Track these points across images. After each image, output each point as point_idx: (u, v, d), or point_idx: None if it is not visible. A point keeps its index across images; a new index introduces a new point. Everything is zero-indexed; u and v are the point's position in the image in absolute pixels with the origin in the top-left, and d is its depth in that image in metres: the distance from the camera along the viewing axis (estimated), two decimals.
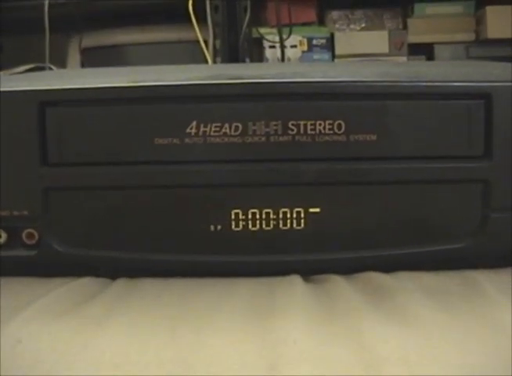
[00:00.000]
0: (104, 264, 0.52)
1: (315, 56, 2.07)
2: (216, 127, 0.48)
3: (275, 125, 0.48)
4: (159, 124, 0.49)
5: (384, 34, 2.05)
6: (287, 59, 1.98)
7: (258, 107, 0.48)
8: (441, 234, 0.51)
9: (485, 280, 0.49)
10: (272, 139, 0.48)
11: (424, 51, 2.07)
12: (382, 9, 2.08)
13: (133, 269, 0.52)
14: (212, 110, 0.48)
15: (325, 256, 0.50)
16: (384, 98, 0.49)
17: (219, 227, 0.50)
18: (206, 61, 1.82)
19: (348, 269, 0.51)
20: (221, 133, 0.48)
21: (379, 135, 0.49)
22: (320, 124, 0.48)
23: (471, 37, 2.02)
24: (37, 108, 0.49)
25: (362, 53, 2.04)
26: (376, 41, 2.05)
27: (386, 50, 2.04)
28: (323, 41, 2.06)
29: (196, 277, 0.51)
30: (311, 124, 0.48)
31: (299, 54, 2.08)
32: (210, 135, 0.48)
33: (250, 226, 0.50)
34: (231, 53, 1.98)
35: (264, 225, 0.50)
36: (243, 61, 1.97)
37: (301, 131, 0.48)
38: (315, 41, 2.08)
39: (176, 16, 1.80)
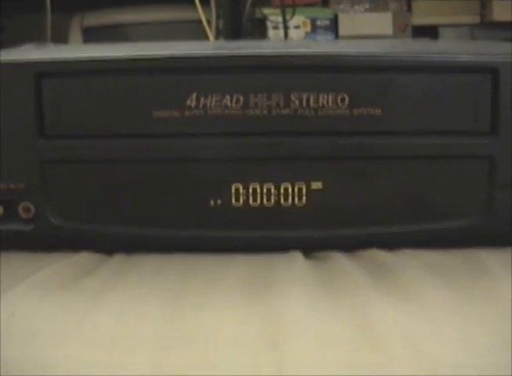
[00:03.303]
0: (101, 239, 0.51)
1: (319, 37, 2.05)
2: (217, 99, 0.47)
3: (276, 98, 0.47)
4: (157, 96, 0.47)
5: (388, 15, 2.03)
6: (290, 40, 1.96)
7: (260, 79, 0.47)
8: (445, 212, 0.50)
9: (490, 258, 0.48)
10: (273, 112, 0.47)
11: (428, 33, 2.05)
12: None
13: (131, 244, 0.51)
14: (212, 81, 0.47)
15: (327, 233, 0.50)
16: (389, 71, 0.47)
17: (219, 202, 0.49)
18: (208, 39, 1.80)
19: (351, 246, 0.50)
20: (221, 105, 0.47)
21: (383, 109, 0.48)
22: (323, 98, 0.47)
23: (476, 19, 2.00)
24: (34, 79, 0.47)
25: (366, 35, 2.02)
26: (380, 22, 2.03)
27: (390, 32, 2.02)
28: (327, 22, 2.05)
29: (195, 253, 0.50)
30: (314, 98, 0.47)
31: (302, 35, 2.06)
32: (210, 108, 0.47)
33: (250, 202, 0.49)
34: (234, 33, 1.96)
35: (265, 201, 0.49)
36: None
37: (304, 104, 0.47)
38: (318, 22, 2.06)
39: None
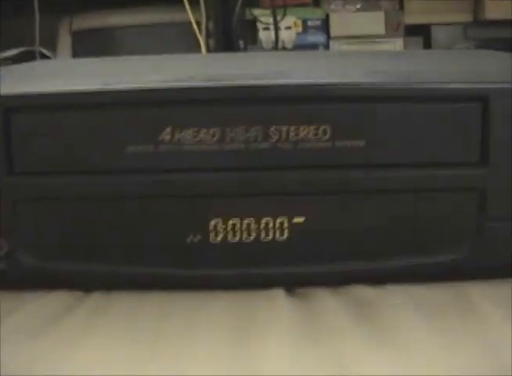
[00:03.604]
0: (77, 277, 0.49)
1: (310, 38, 2.03)
2: (192, 133, 0.45)
3: (255, 131, 0.45)
4: (131, 130, 0.45)
5: (380, 14, 2.01)
6: (282, 41, 1.94)
7: (237, 112, 0.45)
8: (434, 245, 0.48)
9: (481, 294, 0.46)
10: (252, 146, 0.45)
11: (421, 32, 2.03)
12: None
13: (108, 282, 0.49)
14: (187, 115, 0.45)
15: (310, 269, 0.48)
16: (373, 101, 0.45)
17: (197, 239, 0.47)
18: (199, 43, 1.79)
19: (336, 281, 0.48)
20: (197, 140, 0.45)
21: (367, 140, 0.46)
22: (304, 130, 0.45)
23: (469, 17, 1.98)
24: (1, 114, 0.45)
25: (358, 35, 2.00)
26: (372, 22, 2.01)
27: (382, 31, 2.01)
28: (318, 22, 2.03)
29: (173, 290, 0.48)
30: (294, 130, 0.45)
31: (294, 36, 2.04)
32: (185, 142, 0.45)
33: (229, 238, 0.47)
34: (224, 35, 1.94)
35: (244, 237, 0.47)
36: (237, 44, 1.93)
37: (283, 137, 0.45)
38: (310, 23, 2.04)
39: None
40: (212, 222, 0.46)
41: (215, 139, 0.45)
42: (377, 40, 2.01)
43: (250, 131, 0.45)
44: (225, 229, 0.46)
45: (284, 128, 0.45)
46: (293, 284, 0.48)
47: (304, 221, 0.47)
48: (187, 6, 1.76)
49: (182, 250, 0.47)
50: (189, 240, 0.47)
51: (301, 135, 0.45)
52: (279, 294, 0.47)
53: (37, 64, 0.63)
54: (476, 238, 0.47)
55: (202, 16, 1.86)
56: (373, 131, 0.45)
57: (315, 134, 0.45)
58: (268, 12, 1.82)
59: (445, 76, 0.48)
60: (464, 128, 0.46)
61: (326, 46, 2.01)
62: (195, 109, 0.45)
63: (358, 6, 2.04)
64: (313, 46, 2.02)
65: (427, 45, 2.03)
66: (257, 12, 2.02)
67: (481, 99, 0.45)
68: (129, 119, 0.45)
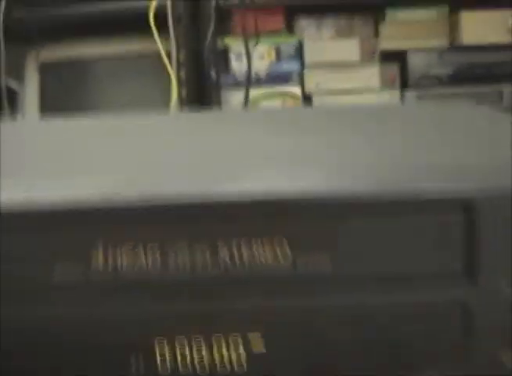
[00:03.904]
0: None
1: (285, 66, 1.99)
2: (128, 260, 0.39)
3: (201, 254, 0.39)
4: (57, 255, 0.39)
5: (355, 41, 1.97)
6: (255, 71, 1.89)
7: (179, 232, 0.38)
8: (413, 363, 0.41)
9: None
10: (198, 273, 0.39)
11: (397, 58, 1.99)
12: (353, 15, 1.99)
13: None
14: (123, 235, 0.38)
15: None
16: (340, 215, 0.39)
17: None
18: (169, 75, 1.73)
19: None
20: (135, 267, 0.39)
21: (334, 260, 0.39)
22: (259, 250, 0.39)
23: (445, 43, 1.94)
24: None
25: (333, 61, 1.96)
26: (347, 48, 1.97)
27: (357, 58, 1.97)
28: (292, 49, 1.98)
29: None
30: (248, 251, 0.39)
31: (267, 65, 1.99)
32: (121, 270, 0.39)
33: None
34: (196, 66, 1.88)
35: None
36: (209, 74, 1.87)
37: (236, 260, 0.39)
38: (283, 50, 1.99)
39: (138, 27, 1.72)
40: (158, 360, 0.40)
41: (157, 265, 0.38)
42: (352, 67, 1.97)
43: (195, 255, 0.38)
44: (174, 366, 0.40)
45: (235, 250, 0.39)
46: None
47: (265, 351, 0.40)
48: (156, 36, 1.70)
49: None
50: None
51: (257, 257, 0.39)
52: None
53: None
54: (460, 356, 0.41)
55: (172, 46, 1.81)
56: (340, 249, 0.39)
57: (273, 254, 0.39)
58: (240, 40, 1.77)
59: (420, 178, 0.41)
60: (446, 240, 0.39)
61: (301, 74, 1.97)
62: (130, 229, 0.39)
63: (333, 32, 2.00)
64: (287, 75, 1.97)
65: (404, 71, 2.00)
66: (228, 40, 1.97)
67: (465, 209, 0.39)
68: (55, 241, 0.39)
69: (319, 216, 0.39)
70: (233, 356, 0.40)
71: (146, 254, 0.39)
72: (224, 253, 0.39)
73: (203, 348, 0.39)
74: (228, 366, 0.40)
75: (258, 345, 0.40)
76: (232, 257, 0.39)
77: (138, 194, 0.39)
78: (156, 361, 0.40)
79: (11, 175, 0.42)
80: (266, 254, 0.39)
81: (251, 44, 1.71)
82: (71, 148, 0.52)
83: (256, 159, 0.45)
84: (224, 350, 0.40)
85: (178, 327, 0.38)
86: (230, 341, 0.40)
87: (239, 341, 0.40)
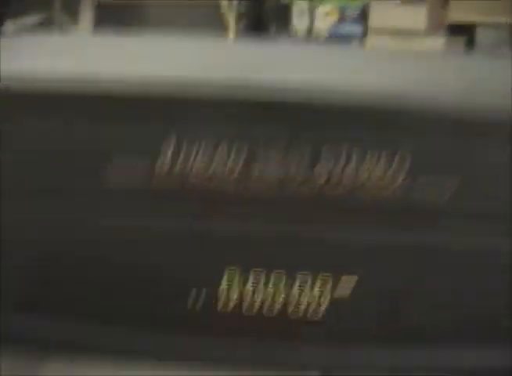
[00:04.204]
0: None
1: (346, 28, 1.92)
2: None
3: (295, 169, 0.34)
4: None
5: (423, 10, 1.89)
6: (316, 29, 1.84)
7: (272, 134, 0.33)
8: None
9: None
10: (287, 191, 0.35)
11: (465, 32, 1.91)
12: None
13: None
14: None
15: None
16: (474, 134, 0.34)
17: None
18: (227, 25, 1.70)
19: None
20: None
21: (458, 188, 0.35)
22: (368, 168, 0.34)
23: None
24: None
25: (397, 28, 1.89)
26: (414, 16, 1.90)
27: (423, 27, 1.89)
28: (356, 12, 1.92)
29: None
30: (354, 171, 0.34)
31: (329, 24, 1.93)
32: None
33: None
34: (255, 18, 1.84)
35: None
36: (268, 28, 1.83)
37: (335, 179, 0.34)
38: (347, 12, 1.93)
39: None
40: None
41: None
42: (417, 36, 1.90)
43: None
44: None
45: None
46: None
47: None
48: None
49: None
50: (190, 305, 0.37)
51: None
52: None
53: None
54: None
55: None
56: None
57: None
58: None
59: None
60: None
61: (362, 38, 1.91)
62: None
63: None
64: (348, 37, 1.91)
65: (470, 46, 1.92)
66: None
67: None
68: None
69: (448, 133, 0.33)
70: (312, 300, 0.36)
71: (224, 161, 0.34)
72: (323, 169, 0.33)
73: (282, 286, 0.35)
74: (301, 311, 0.36)
75: (345, 291, 0.36)
76: (331, 175, 0.33)
77: (227, 82, 0.33)
78: (217, 297, 0.36)
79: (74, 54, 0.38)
80: (375, 173, 0.33)
81: (315, 2, 1.66)
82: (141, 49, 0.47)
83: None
84: (306, 291, 0.36)
85: (255, 256, 0.34)
86: (317, 282, 0.35)
87: (329, 282, 0.36)
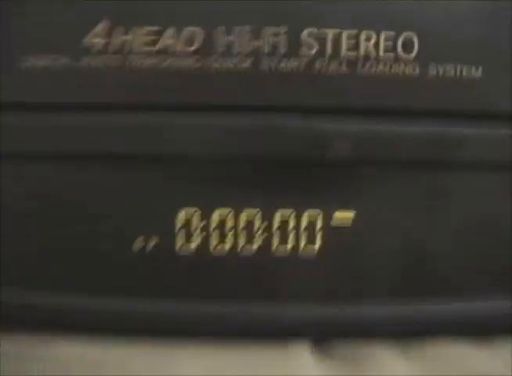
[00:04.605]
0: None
1: None
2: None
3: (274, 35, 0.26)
4: None
5: None
6: None
7: None
8: None
9: None
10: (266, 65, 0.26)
11: None
12: None
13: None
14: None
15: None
16: None
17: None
18: None
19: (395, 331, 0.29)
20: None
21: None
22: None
23: None
24: None
25: None
26: None
27: None
28: None
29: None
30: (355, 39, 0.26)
31: None
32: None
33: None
34: None
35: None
36: None
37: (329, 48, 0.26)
38: None
39: None
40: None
41: None
42: None
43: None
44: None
45: None
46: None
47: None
48: None
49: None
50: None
51: None
52: (303, 356, 0.28)
53: None
54: None
55: None
56: None
57: None
58: None
59: None
60: None
61: None
62: None
63: None
64: None
65: None
66: None
67: None
68: None
69: None
70: (301, 237, 0.28)
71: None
72: (313, 35, 0.25)
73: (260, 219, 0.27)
74: (287, 250, 0.28)
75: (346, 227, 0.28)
76: (320, 40, 0.25)
77: None
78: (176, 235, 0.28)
79: None
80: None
81: None
82: None
83: None
84: (291, 226, 0.27)
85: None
86: (305, 217, 0.27)
87: (319, 217, 0.28)
